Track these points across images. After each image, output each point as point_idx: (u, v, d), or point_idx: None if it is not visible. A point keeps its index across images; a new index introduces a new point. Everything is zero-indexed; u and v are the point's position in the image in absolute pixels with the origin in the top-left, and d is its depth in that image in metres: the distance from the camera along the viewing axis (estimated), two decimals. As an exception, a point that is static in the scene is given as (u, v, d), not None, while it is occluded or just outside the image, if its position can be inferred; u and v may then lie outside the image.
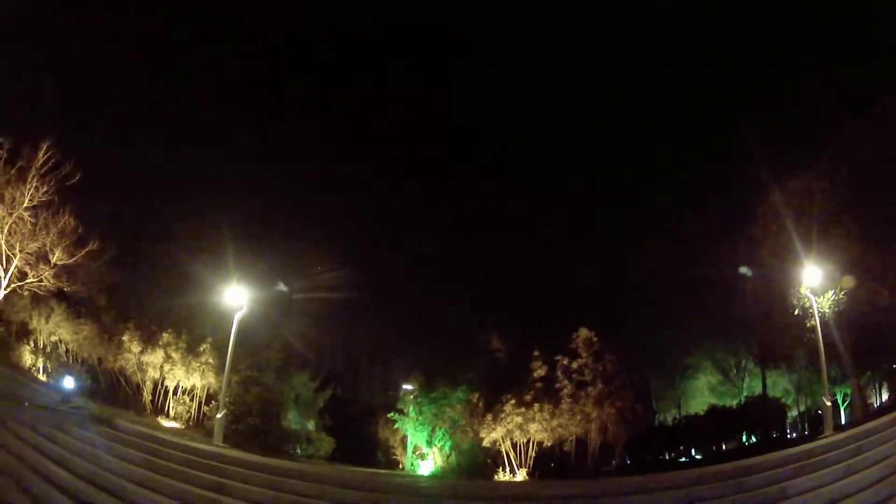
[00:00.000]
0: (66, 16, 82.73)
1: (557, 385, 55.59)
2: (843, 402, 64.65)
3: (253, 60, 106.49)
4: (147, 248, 70.95)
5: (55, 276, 57.73)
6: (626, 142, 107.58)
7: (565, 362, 55.97)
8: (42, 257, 57.25)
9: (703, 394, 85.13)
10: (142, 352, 60.34)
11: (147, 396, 61.53)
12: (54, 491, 29.92)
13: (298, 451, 61.00)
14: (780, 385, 77.92)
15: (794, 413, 75.35)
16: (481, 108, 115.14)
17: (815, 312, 47.97)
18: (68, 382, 56.21)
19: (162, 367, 60.37)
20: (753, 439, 69.82)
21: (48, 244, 56.79)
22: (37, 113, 68.12)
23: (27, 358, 62.94)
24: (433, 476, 56.04)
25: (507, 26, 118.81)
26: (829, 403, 47.61)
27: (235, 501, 29.13)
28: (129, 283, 65.86)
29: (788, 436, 68.82)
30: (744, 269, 61.17)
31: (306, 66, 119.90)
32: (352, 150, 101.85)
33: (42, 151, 56.13)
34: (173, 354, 60.08)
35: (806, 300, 50.24)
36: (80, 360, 64.25)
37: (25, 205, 55.69)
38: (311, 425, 64.20)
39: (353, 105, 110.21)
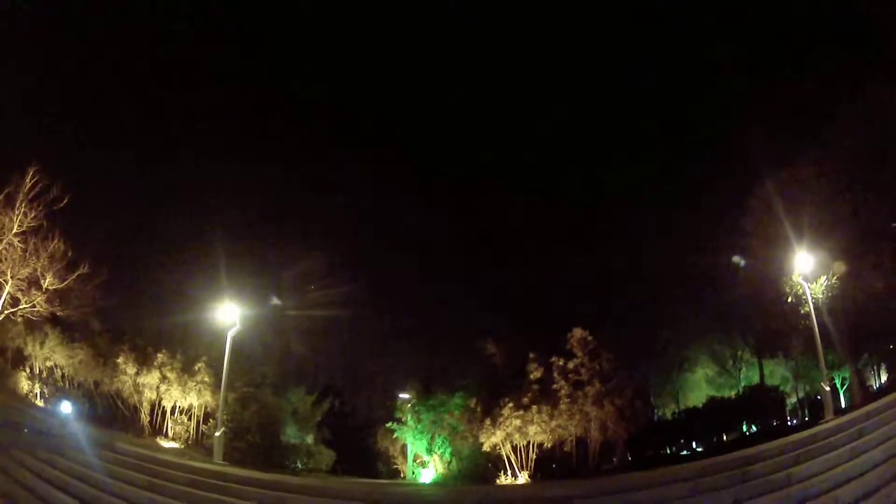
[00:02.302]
0: (52, 33, 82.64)
1: (554, 386, 55.55)
2: (842, 387, 64.76)
3: (251, 64, 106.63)
4: (139, 268, 70.95)
5: (47, 300, 57.58)
6: (618, 139, 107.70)
7: (561, 363, 55.94)
8: (34, 283, 57.13)
9: (700, 386, 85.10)
10: (137, 373, 60.32)
11: (145, 418, 61.44)
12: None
13: (299, 465, 61.00)
14: (777, 373, 78.07)
15: (793, 400, 75.46)
16: (478, 107, 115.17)
17: (809, 299, 48.15)
18: (66, 407, 56.27)
19: (158, 387, 60.39)
20: (754, 429, 69.86)
21: (39, 269, 56.67)
22: (22, 137, 67.93)
23: (24, 384, 62.77)
24: (435, 483, 56.06)
25: (505, 23, 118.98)
26: (827, 388, 47.76)
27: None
28: (121, 304, 65.60)
29: (789, 423, 68.80)
30: (736, 259, 61.38)
31: (306, 67, 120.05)
32: (346, 153, 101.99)
33: (29, 176, 56.02)
34: (169, 375, 60.09)
35: (799, 287, 50.38)
36: (76, 385, 64.08)
37: (15, 230, 55.57)
38: (310, 439, 64.20)
39: (351, 106, 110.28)
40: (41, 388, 63.16)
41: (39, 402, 61.72)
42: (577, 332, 56.62)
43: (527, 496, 36.35)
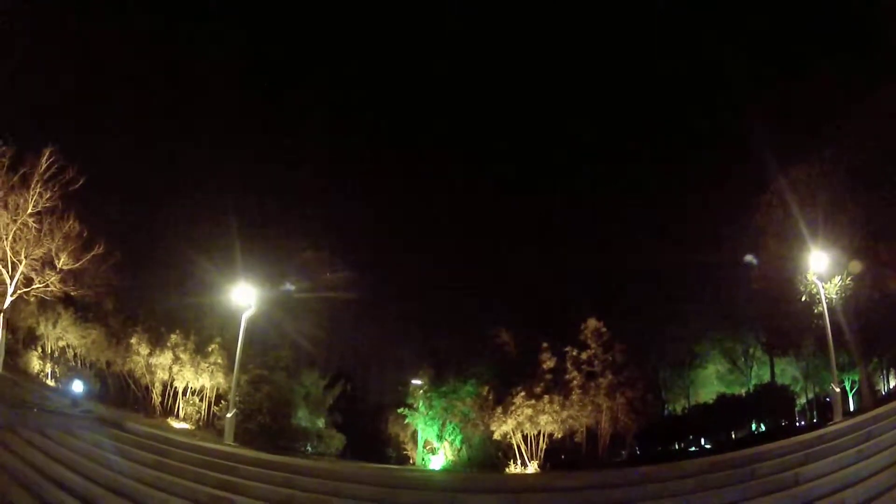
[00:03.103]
0: (65, 19, 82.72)
1: (567, 376, 55.62)
2: (851, 389, 64.55)
3: (254, 60, 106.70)
4: (153, 249, 71.10)
5: (61, 281, 57.60)
6: (632, 134, 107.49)
7: (574, 353, 56.01)
8: (48, 263, 57.15)
9: (711, 383, 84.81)
10: (150, 354, 60.64)
11: (156, 398, 61.80)
12: (66, 495, 29.92)
13: (309, 448, 61.19)
14: (788, 373, 77.69)
15: (802, 401, 75.19)
16: (486, 106, 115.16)
17: (823, 299, 47.94)
18: (77, 386, 56.43)
19: (171, 368, 60.70)
20: (763, 427, 69.77)
21: (53, 249, 56.68)
22: (38, 118, 68.06)
23: (35, 364, 63.06)
24: (445, 470, 56.09)
25: (507, 22, 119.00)
26: (837, 390, 47.54)
27: (249, 500, 29.07)
28: (135, 285, 65.69)
29: (797, 423, 68.64)
30: (750, 258, 61.16)
31: (308, 65, 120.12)
32: (358, 148, 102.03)
33: (45, 157, 56.00)
34: (182, 356, 60.36)
35: (813, 286, 50.18)
36: (88, 364, 64.42)
37: (30, 211, 55.57)
38: (321, 423, 64.29)
39: (357, 103, 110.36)
40: (53, 368, 63.40)
41: (50, 382, 62.02)
42: (592, 323, 56.66)
43: (538, 485, 36.29)
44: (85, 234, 58.25)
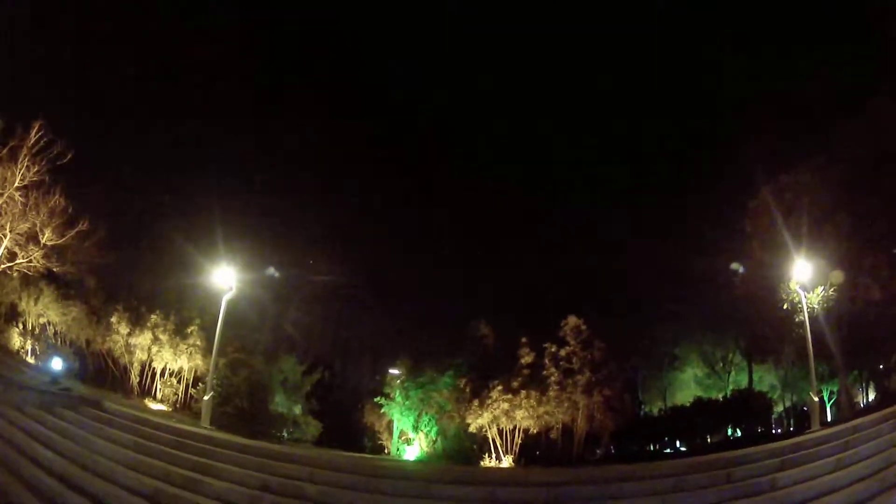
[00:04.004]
0: (65, 18, 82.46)
1: (545, 372, 55.78)
2: (830, 400, 64.67)
3: (251, 56, 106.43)
4: (137, 229, 70.89)
5: (45, 256, 57.31)
6: (618, 136, 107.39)
7: (553, 350, 56.13)
8: (32, 238, 56.84)
9: (688, 386, 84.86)
10: (130, 333, 60.33)
11: (134, 378, 61.49)
12: (42, 472, 29.86)
13: (285, 434, 61.12)
14: (766, 380, 77.83)
15: (779, 409, 75.37)
16: (474, 101, 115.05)
17: (804, 308, 48.00)
18: (56, 364, 56.16)
19: (149, 349, 60.43)
20: (738, 433, 69.98)
21: (38, 224, 56.38)
22: (28, 92, 67.68)
23: (16, 340, 62.69)
24: (419, 461, 56.17)
25: (504, 22, 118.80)
26: (816, 399, 47.60)
27: (224, 484, 29.11)
28: (118, 264, 65.39)
29: (774, 431, 68.89)
30: (735, 266, 61.34)
31: (306, 61, 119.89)
32: (344, 142, 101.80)
33: (34, 131, 55.67)
34: (161, 336, 60.19)
35: (795, 295, 50.24)
36: (68, 342, 64.08)
37: (16, 185, 55.28)
38: (297, 409, 64.17)
39: (351, 101, 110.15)
40: (33, 345, 63.13)
41: (30, 359, 61.68)
42: (572, 320, 56.83)
43: (512, 479, 36.36)
44: (70, 210, 58.02)
